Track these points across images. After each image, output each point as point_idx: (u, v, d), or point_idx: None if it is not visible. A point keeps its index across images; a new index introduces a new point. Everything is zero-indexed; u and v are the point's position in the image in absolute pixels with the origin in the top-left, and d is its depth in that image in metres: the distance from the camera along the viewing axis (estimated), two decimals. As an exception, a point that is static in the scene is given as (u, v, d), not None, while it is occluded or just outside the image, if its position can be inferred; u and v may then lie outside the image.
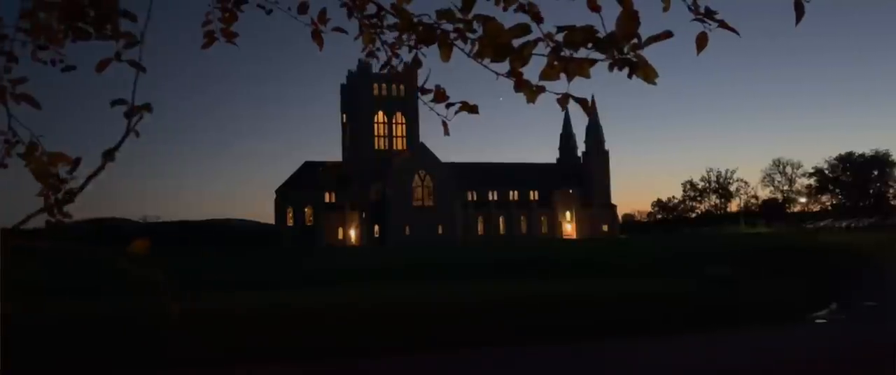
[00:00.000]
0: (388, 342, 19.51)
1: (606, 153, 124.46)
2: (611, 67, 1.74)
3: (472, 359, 17.34)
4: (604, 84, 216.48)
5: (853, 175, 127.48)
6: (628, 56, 1.71)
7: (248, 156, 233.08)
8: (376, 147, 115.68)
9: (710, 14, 2.02)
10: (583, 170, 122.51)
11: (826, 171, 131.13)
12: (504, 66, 1.80)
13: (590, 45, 1.71)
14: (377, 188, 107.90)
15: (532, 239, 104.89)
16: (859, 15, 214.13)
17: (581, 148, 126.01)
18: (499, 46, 1.75)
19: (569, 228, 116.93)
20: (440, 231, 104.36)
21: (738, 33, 2.03)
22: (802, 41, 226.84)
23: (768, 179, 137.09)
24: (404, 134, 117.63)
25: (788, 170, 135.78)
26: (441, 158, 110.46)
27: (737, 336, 20.79)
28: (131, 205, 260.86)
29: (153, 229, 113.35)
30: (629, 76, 1.71)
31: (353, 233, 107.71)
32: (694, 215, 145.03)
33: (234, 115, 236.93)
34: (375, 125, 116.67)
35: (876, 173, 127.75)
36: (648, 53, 1.74)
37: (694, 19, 2.10)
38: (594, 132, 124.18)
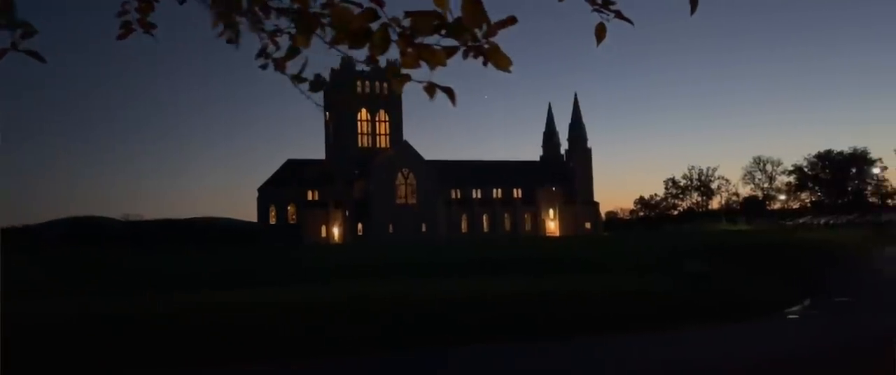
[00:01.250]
0: (372, 339, 19.43)
1: (589, 151, 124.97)
2: (465, 55, 1.70)
3: (458, 355, 17.32)
4: (594, 83, 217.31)
5: (832, 172, 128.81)
6: (481, 43, 1.67)
7: (232, 155, 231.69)
8: (360, 144, 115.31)
9: (607, 4, 2.00)
10: (566, 168, 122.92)
11: (805, 169, 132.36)
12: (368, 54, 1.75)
13: (444, 32, 1.67)
14: (360, 186, 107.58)
15: (516, 236, 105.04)
16: (840, 13, 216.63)
17: (564, 146, 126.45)
18: (353, 33, 1.70)
19: (552, 226, 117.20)
20: (423, 229, 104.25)
21: (632, 23, 2.01)
22: (782, 39, 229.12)
23: (749, 177, 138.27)
24: (388, 131, 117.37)
25: (769, 167, 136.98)
26: (424, 156, 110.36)
27: (712, 332, 20.94)
28: (116, 204, 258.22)
29: (134, 227, 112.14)
30: (484, 64, 1.68)
31: (336, 231, 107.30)
32: (676, 212, 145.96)
33: (217, 114, 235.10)
34: (358, 122, 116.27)
35: (854, 171, 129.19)
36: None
37: (593, 10, 2.07)
38: (577, 130, 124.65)
